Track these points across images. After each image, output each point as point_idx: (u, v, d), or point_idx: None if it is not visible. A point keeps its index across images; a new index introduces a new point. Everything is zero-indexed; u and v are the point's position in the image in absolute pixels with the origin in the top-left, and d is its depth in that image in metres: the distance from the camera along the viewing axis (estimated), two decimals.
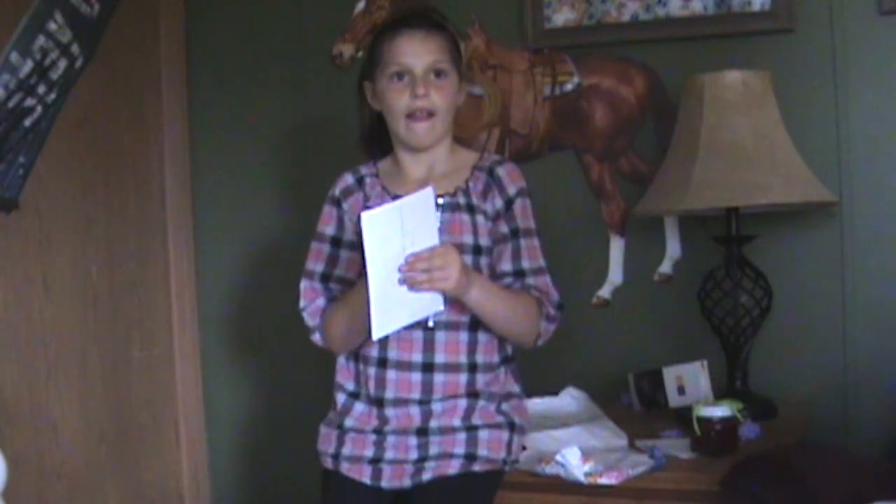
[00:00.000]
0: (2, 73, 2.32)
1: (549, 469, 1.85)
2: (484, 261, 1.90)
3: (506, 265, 1.90)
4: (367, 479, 1.89)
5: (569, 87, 2.58)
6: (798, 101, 2.35)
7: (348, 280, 1.94)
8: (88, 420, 2.56)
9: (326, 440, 1.96)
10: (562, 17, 2.57)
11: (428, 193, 1.71)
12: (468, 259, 1.84)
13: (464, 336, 1.88)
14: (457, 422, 1.87)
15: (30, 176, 2.40)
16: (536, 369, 2.17)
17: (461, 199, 1.91)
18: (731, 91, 2.18)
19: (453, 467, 1.86)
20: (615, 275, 2.56)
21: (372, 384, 1.90)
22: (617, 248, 2.56)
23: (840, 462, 1.78)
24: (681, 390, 2.28)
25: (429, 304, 1.74)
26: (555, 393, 2.27)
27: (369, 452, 1.90)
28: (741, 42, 2.42)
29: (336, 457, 1.93)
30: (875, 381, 2.33)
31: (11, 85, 2.34)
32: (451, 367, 1.87)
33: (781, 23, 2.38)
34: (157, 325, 2.81)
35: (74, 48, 2.52)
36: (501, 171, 1.93)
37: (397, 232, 1.67)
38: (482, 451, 1.87)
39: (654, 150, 2.49)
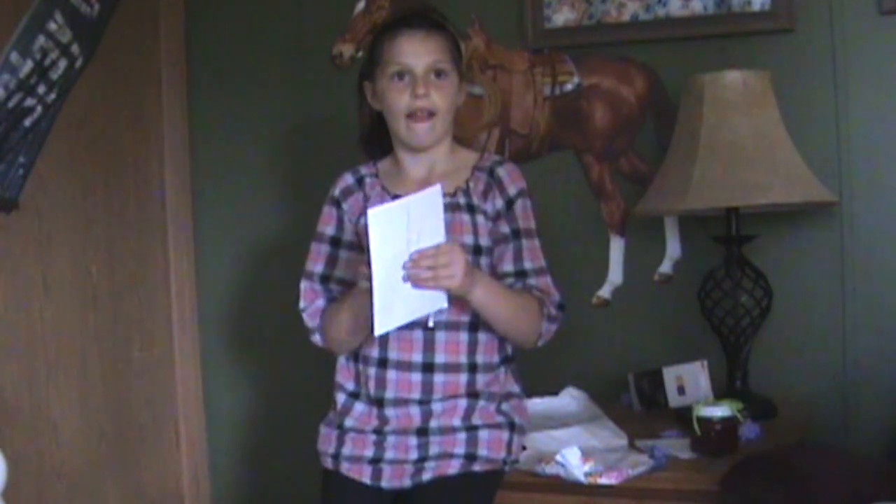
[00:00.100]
0: (2, 73, 2.32)
1: (549, 469, 1.85)
2: (484, 261, 1.90)
3: (507, 266, 1.90)
4: (367, 479, 1.89)
5: (569, 87, 2.58)
6: (798, 101, 2.34)
7: (348, 281, 1.94)
8: (88, 420, 2.56)
9: (326, 440, 1.96)
10: (562, 17, 2.56)
11: (436, 191, 1.71)
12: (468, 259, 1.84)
13: (464, 336, 1.88)
14: (457, 422, 1.87)
15: (30, 176, 2.41)
16: (536, 369, 2.17)
17: (461, 200, 1.91)
18: (731, 91, 2.18)
19: (453, 467, 1.86)
20: (615, 275, 2.56)
21: (372, 384, 1.90)
22: (617, 248, 2.56)
23: (840, 462, 1.78)
24: (681, 390, 2.28)
25: (432, 302, 1.74)
26: (555, 393, 2.27)
27: (369, 452, 1.90)
28: (741, 42, 2.42)
29: (336, 457, 1.93)
30: (875, 381, 2.33)
31: (11, 85, 2.34)
32: (451, 368, 1.87)
33: (781, 23, 2.38)
34: (157, 325, 2.81)
35: (74, 48, 2.52)
36: (502, 172, 1.93)
37: (403, 229, 1.67)
38: (482, 451, 1.87)
39: (654, 150, 2.49)
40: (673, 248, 2.51)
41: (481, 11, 2.63)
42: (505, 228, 1.91)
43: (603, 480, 1.81)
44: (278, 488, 2.87)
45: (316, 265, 1.98)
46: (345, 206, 1.98)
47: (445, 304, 1.76)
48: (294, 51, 2.81)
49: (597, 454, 1.90)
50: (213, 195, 2.91)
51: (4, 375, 2.33)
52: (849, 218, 2.36)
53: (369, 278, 1.66)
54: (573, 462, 1.82)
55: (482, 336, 1.89)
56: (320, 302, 1.95)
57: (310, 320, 1.96)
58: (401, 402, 1.88)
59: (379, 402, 1.90)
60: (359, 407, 1.93)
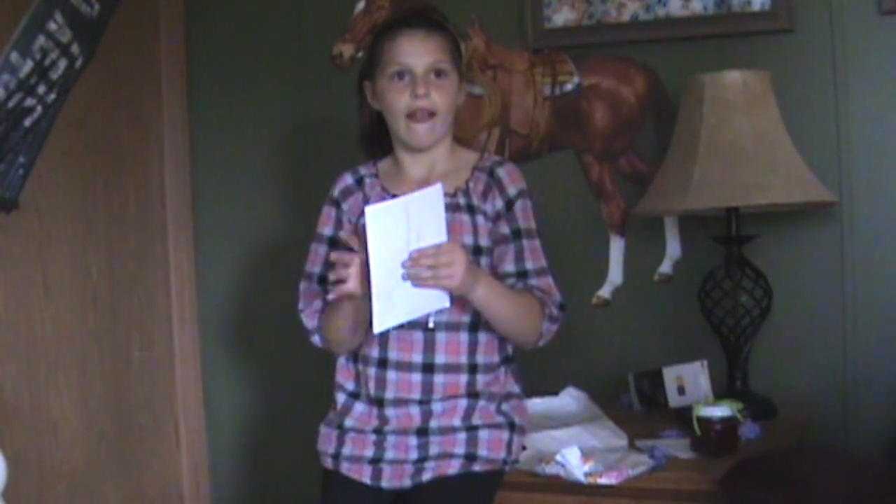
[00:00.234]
0: (2, 73, 2.32)
1: (549, 469, 1.84)
2: (484, 261, 1.90)
3: (509, 266, 1.90)
4: (367, 479, 1.89)
5: (569, 87, 2.58)
6: (798, 101, 2.35)
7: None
8: (88, 420, 2.56)
9: (326, 440, 1.96)
10: (562, 17, 2.56)
11: (437, 191, 1.71)
12: None
13: (464, 337, 1.88)
14: (457, 422, 1.87)
15: (30, 176, 2.41)
16: (536, 369, 2.17)
17: (461, 200, 1.90)
18: (731, 91, 2.18)
19: (453, 467, 1.86)
20: (615, 275, 2.56)
21: (372, 384, 1.90)
22: (617, 248, 2.56)
23: (840, 463, 1.78)
24: (681, 390, 2.28)
25: (434, 301, 1.74)
26: (555, 393, 2.27)
27: (369, 452, 1.90)
28: (741, 42, 2.42)
29: (336, 457, 1.93)
30: (875, 381, 2.33)
31: (11, 85, 2.34)
32: (451, 368, 1.87)
33: (781, 23, 2.38)
34: (157, 325, 2.81)
35: (74, 48, 2.52)
36: (502, 172, 1.93)
37: (403, 227, 1.67)
38: (482, 451, 1.87)
39: (654, 150, 2.49)
40: (673, 248, 2.51)
41: (481, 11, 2.63)
42: (505, 229, 1.91)
43: (603, 480, 1.81)
44: (278, 488, 2.87)
45: (315, 266, 1.98)
46: (344, 206, 1.98)
47: (448, 304, 1.76)
48: (294, 51, 2.81)
49: (597, 454, 1.90)
50: (213, 195, 2.91)
51: (4, 375, 2.33)
52: (849, 218, 2.36)
53: (367, 277, 1.66)
54: (573, 462, 1.82)
55: (482, 336, 1.89)
56: (319, 303, 1.95)
57: (308, 321, 1.96)
58: (401, 403, 1.88)
59: (379, 403, 1.89)
60: (359, 407, 1.93)
